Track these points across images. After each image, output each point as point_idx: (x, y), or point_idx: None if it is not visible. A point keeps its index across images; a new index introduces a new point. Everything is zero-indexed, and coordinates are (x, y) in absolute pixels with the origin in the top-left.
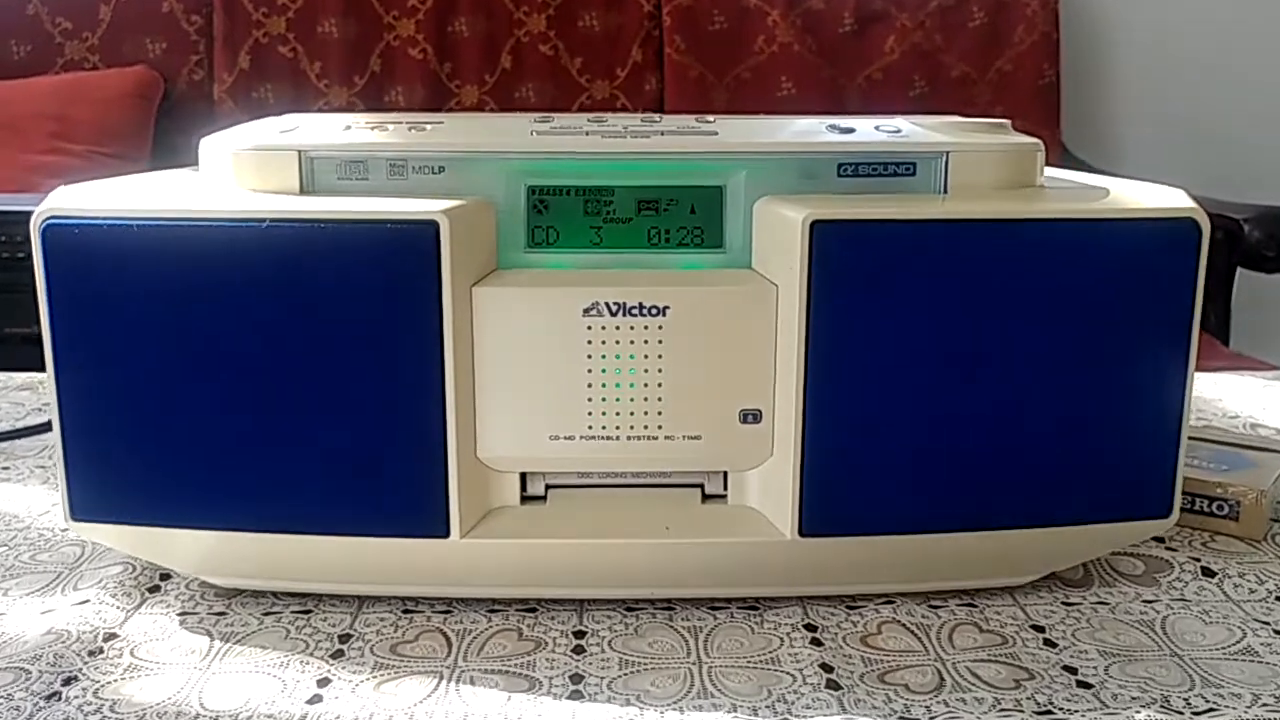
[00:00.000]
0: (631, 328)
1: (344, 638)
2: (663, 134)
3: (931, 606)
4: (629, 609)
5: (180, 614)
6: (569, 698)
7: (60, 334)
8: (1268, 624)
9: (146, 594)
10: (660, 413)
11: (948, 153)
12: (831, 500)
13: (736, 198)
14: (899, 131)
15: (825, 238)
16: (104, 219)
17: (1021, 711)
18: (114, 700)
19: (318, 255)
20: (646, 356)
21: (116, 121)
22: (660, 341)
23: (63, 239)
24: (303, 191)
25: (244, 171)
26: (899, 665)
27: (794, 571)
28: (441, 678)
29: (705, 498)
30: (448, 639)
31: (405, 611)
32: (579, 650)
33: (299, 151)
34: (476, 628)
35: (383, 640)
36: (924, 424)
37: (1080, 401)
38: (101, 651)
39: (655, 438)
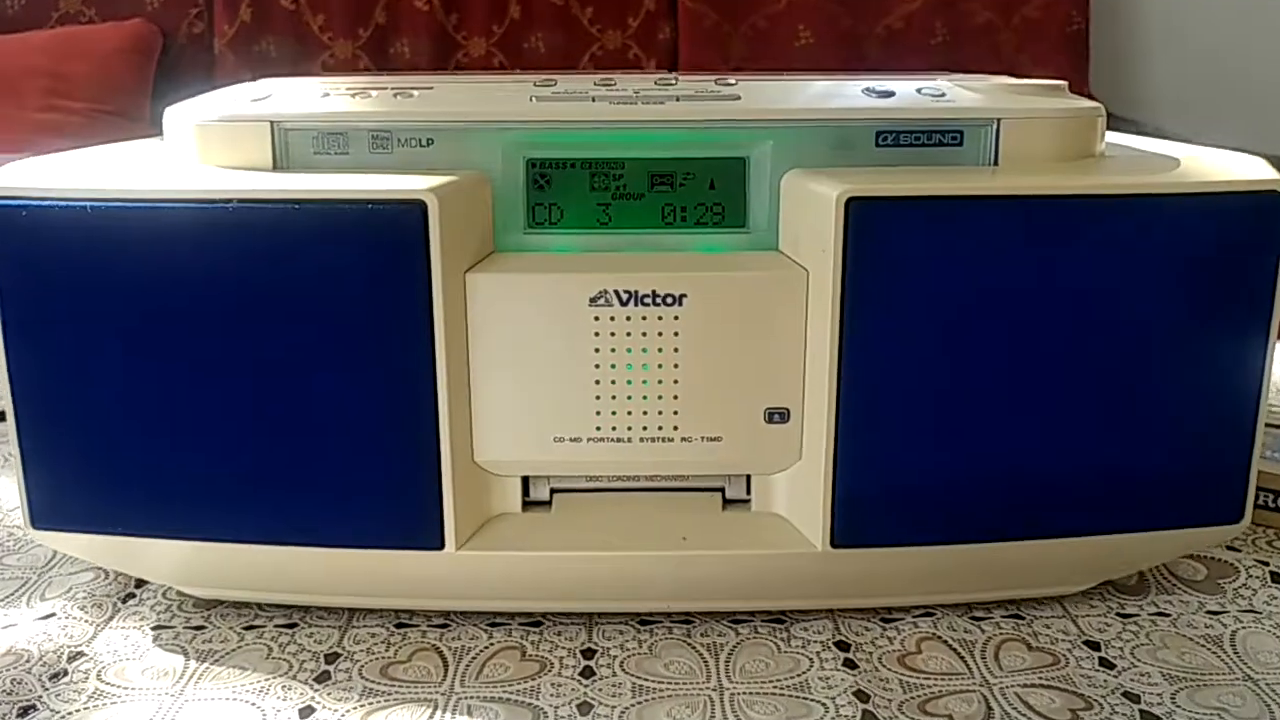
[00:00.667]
0: (644, 318)
1: (330, 657)
2: (678, 99)
3: (974, 619)
4: (642, 623)
5: (155, 627)
6: None
7: (11, 326)
8: None
9: (119, 604)
10: (676, 412)
11: (999, 120)
12: (867, 508)
13: (761, 171)
14: (943, 95)
15: (862, 216)
16: (56, 200)
17: None
18: None
19: (292, 240)
20: (661, 350)
21: (115, 77)
22: (676, 334)
23: (11, 222)
24: (276, 167)
25: (211, 145)
26: (941, 691)
27: (824, 585)
28: (436, 706)
29: (726, 503)
30: (444, 659)
31: (399, 626)
32: (588, 673)
33: (271, 122)
34: (476, 645)
35: (373, 660)
36: (970, 423)
37: (1144, 396)
38: (65, 674)
39: (671, 440)
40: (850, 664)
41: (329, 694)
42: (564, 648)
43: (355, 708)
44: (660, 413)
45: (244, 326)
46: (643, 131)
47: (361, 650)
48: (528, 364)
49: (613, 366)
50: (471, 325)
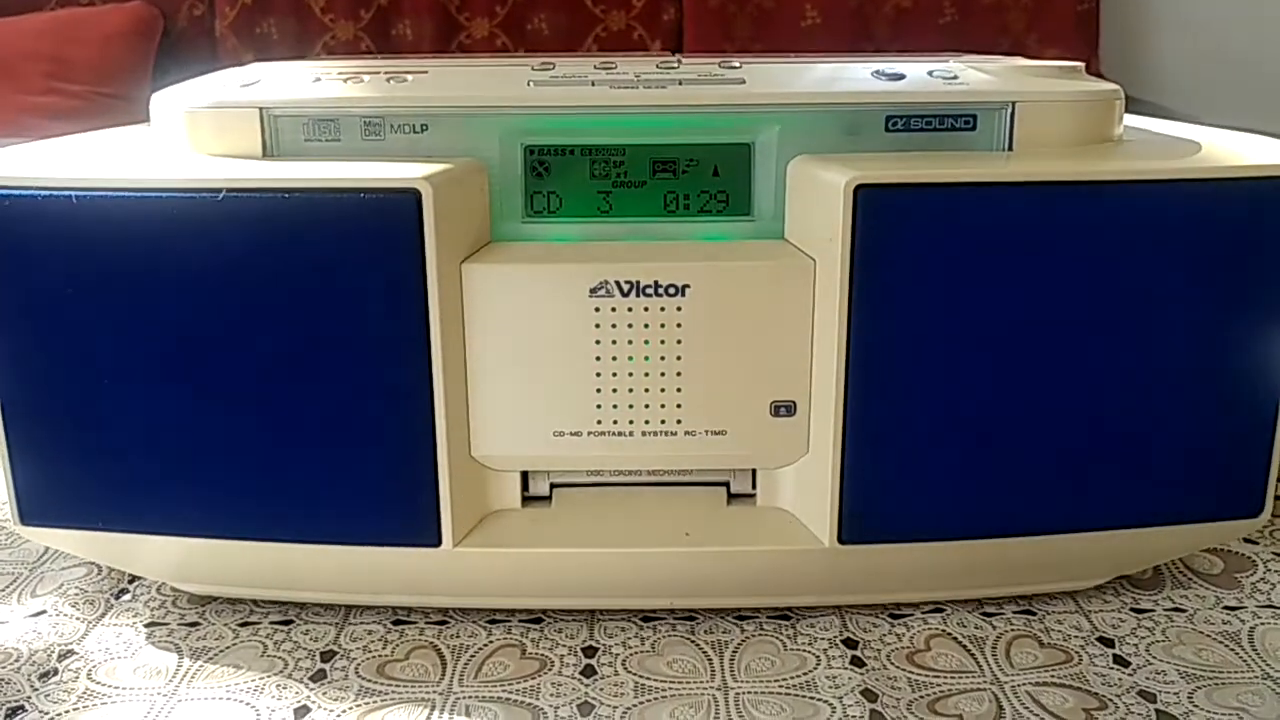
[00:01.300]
0: (646, 309)
1: (327, 655)
2: (681, 83)
3: (985, 615)
4: (645, 619)
5: (148, 624)
6: None
7: None
8: None
9: (112, 601)
10: (680, 405)
11: (1013, 103)
12: (875, 503)
13: (767, 157)
14: (955, 78)
15: (871, 204)
16: (40, 190)
17: None
18: None
19: (282, 230)
20: (663, 342)
21: (115, 60)
22: (679, 325)
23: None
24: (265, 155)
25: (199, 132)
26: (951, 690)
27: (831, 581)
28: (433, 707)
29: (731, 498)
30: (441, 657)
31: (396, 623)
32: (589, 671)
33: (260, 109)
34: (475, 642)
35: (370, 658)
36: (982, 416)
37: (1162, 387)
38: (55, 674)
39: (674, 434)
40: (858, 662)
41: (325, 693)
42: (565, 645)
43: (351, 707)
44: (663, 406)
45: (234, 320)
46: (644, 117)
47: (358, 648)
48: (526, 356)
49: (614, 359)
50: (468, 317)
